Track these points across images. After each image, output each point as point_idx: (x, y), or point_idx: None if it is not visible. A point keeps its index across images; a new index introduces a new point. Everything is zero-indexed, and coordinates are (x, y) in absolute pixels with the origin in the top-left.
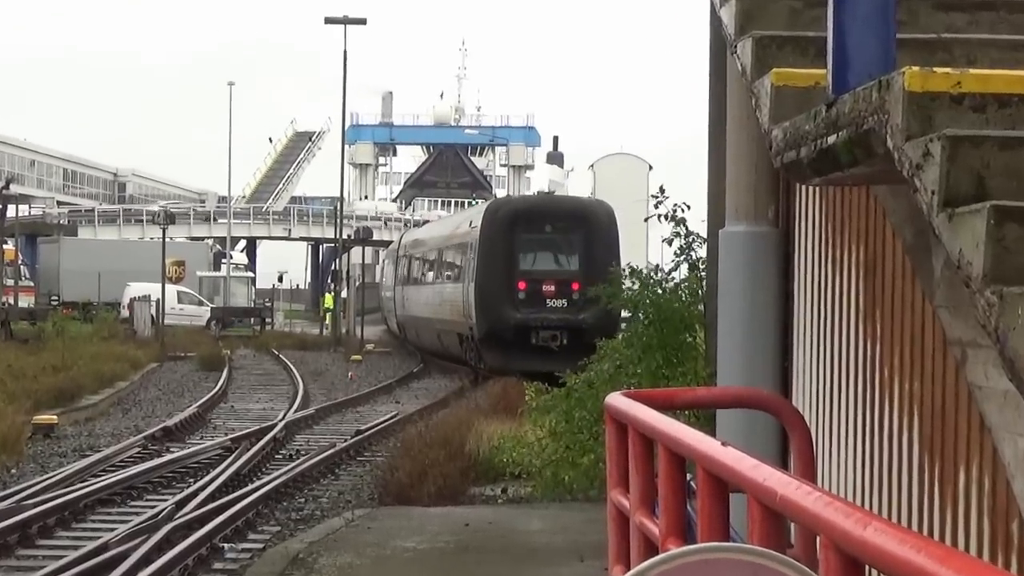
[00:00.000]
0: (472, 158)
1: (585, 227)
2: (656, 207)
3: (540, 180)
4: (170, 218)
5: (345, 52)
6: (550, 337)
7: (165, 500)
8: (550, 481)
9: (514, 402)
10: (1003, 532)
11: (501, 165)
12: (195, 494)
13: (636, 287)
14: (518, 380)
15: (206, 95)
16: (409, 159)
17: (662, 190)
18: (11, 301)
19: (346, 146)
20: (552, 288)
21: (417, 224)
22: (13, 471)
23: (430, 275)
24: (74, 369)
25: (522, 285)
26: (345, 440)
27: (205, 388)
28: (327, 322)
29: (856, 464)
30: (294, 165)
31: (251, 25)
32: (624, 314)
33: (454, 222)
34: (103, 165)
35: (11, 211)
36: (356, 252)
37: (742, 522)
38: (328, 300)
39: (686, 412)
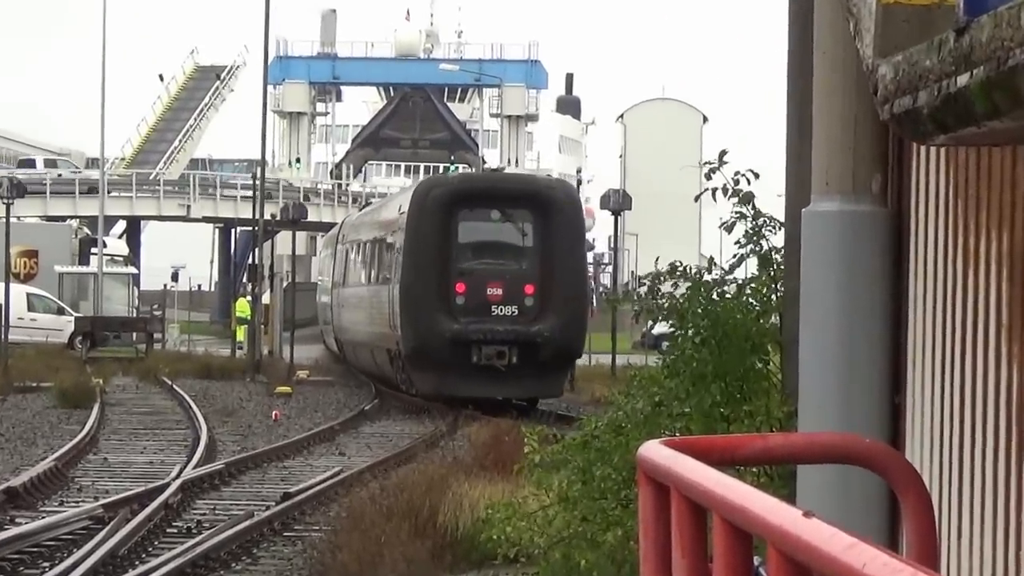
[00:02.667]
0: (450, 104)
1: (542, 213)
2: (709, 177)
3: (548, 136)
4: (17, 189)
5: None
6: (495, 354)
7: None
8: (560, 566)
9: (508, 454)
10: None
11: (492, 115)
12: None
13: (682, 291)
14: (514, 422)
15: (67, 11)
16: (360, 106)
17: (723, 156)
18: None
19: (270, 87)
20: (499, 291)
21: (372, 199)
22: None
23: (362, 274)
24: None
25: (461, 287)
26: (267, 508)
27: (67, 432)
28: (240, 339)
29: (995, 542)
30: (195, 114)
31: None
32: (660, 328)
33: (392, 205)
34: None
35: None
36: (284, 239)
37: None
38: (242, 307)
39: (754, 469)
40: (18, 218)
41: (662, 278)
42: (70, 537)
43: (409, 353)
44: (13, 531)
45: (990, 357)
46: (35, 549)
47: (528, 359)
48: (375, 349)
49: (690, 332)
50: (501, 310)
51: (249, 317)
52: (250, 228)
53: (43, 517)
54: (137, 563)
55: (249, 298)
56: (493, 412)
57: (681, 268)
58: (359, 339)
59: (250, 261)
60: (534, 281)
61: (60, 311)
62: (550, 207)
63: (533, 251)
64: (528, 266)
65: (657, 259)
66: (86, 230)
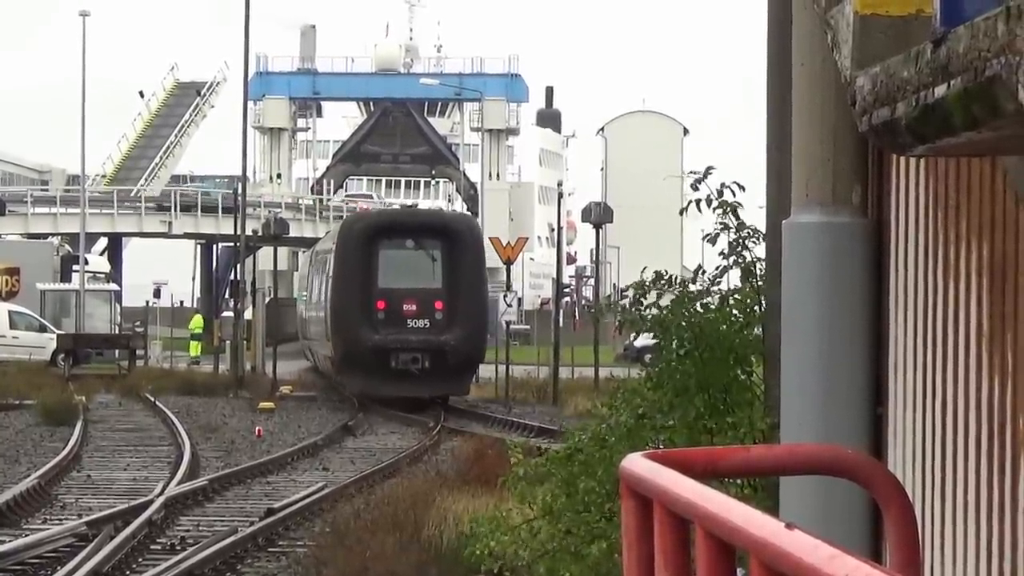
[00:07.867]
0: (431, 119)
1: (448, 242)
2: (694, 188)
3: (528, 149)
4: None
5: None
6: (411, 360)
7: None
8: None
9: (492, 468)
10: None
11: (472, 129)
12: None
13: (665, 302)
14: (496, 436)
15: (48, 27)
16: (340, 121)
17: (708, 172)
18: None
19: (250, 103)
20: (413, 307)
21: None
22: None
23: (315, 293)
24: None
25: (381, 304)
26: (251, 524)
27: (49, 450)
28: (195, 355)
29: (978, 553)
30: (176, 131)
31: None
32: (643, 340)
33: (330, 234)
34: None
35: None
36: (266, 254)
37: None
38: (196, 323)
39: (737, 481)
40: None
41: (647, 288)
42: (54, 555)
43: (339, 360)
44: None
45: (971, 367)
46: (18, 567)
47: (438, 364)
48: (326, 358)
49: (674, 344)
50: (415, 323)
51: (202, 332)
52: (232, 244)
53: (26, 535)
54: None
55: (219, 312)
56: (475, 427)
57: (667, 277)
58: (317, 349)
59: (232, 277)
60: (443, 299)
61: (42, 328)
62: (456, 237)
63: (442, 274)
64: (438, 286)
65: (644, 269)
66: (68, 247)
